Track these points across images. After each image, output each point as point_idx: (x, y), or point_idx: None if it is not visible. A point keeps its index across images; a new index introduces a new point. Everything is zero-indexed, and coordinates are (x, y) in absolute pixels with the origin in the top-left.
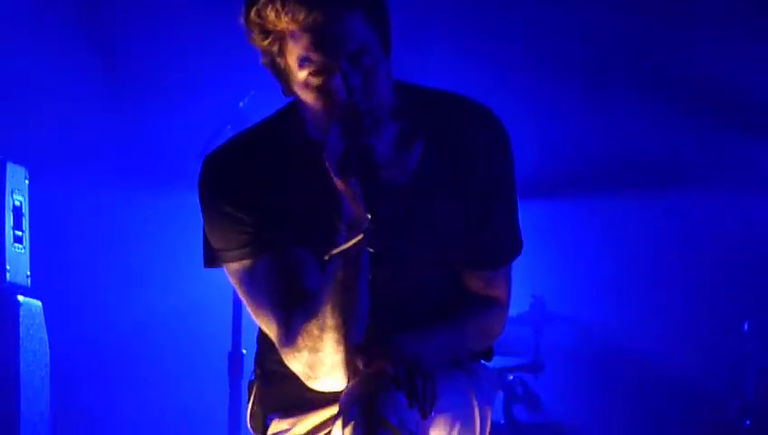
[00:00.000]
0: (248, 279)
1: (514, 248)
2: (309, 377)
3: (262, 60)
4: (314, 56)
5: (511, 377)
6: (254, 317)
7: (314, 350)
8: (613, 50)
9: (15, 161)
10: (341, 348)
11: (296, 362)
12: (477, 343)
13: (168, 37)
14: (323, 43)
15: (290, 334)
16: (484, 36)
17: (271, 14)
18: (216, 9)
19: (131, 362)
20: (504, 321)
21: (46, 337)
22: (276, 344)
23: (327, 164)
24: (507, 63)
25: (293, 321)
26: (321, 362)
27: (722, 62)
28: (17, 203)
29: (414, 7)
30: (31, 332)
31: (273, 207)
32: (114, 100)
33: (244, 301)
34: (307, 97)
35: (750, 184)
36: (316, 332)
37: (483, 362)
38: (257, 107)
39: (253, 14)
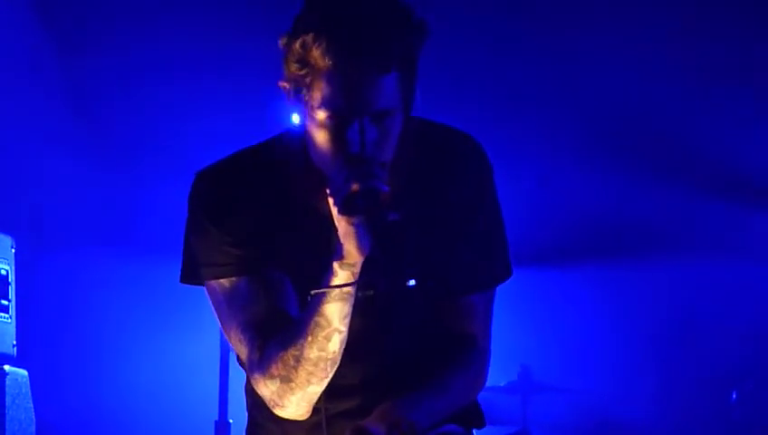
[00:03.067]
0: (225, 299)
1: (503, 271)
2: (275, 404)
3: (283, 83)
4: (341, 102)
5: None
6: (227, 337)
7: (287, 379)
8: (606, 119)
9: (1, 230)
10: (314, 381)
11: (265, 389)
12: (464, 399)
13: (156, 103)
14: (352, 94)
15: (263, 360)
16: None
17: (316, 51)
18: (206, 73)
19: (117, 432)
20: (486, 371)
21: (32, 407)
22: (246, 367)
23: (332, 200)
24: (498, 131)
25: (269, 347)
26: (292, 392)
27: (718, 134)
28: (3, 272)
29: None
30: (17, 401)
31: (261, 229)
32: (101, 167)
33: (219, 320)
34: (319, 137)
35: (743, 252)
36: (292, 362)
37: (474, 430)
38: None
39: (298, 43)
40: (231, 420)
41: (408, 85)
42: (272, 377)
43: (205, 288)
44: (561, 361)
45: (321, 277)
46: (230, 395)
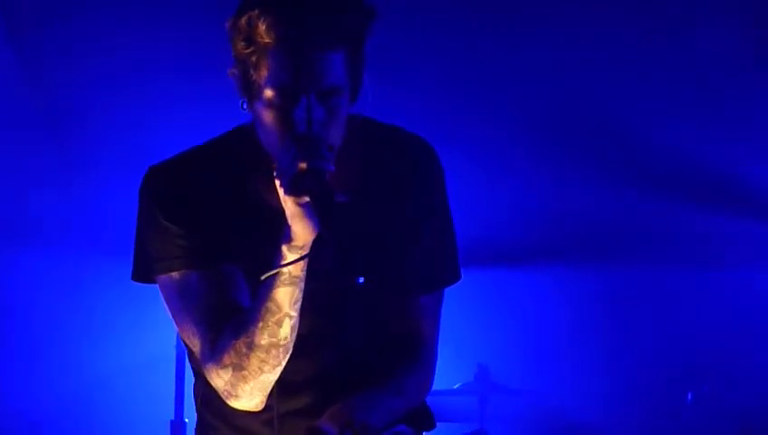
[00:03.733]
0: (178, 292)
1: (451, 274)
2: (229, 395)
3: (230, 70)
4: (287, 79)
5: None
6: (179, 332)
7: (239, 367)
8: (575, 118)
9: None
10: (267, 369)
11: (218, 379)
12: (415, 400)
13: (127, 112)
14: (301, 69)
15: (216, 350)
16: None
17: (261, 26)
18: (180, 85)
19: (72, 432)
20: (434, 372)
21: None
22: (199, 359)
23: (278, 182)
24: (468, 130)
25: (221, 337)
26: (245, 381)
27: (690, 138)
28: None
29: (388, 72)
30: None
31: (214, 223)
32: (52, 172)
33: (172, 315)
34: (266, 116)
35: (697, 257)
36: (244, 349)
37: (424, 432)
38: None
39: (243, 20)
40: (186, 420)
41: (355, 66)
42: (224, 366)
43: (158, 284)
44: (518, 361)
45: (273, 264)
46: (186, 394)
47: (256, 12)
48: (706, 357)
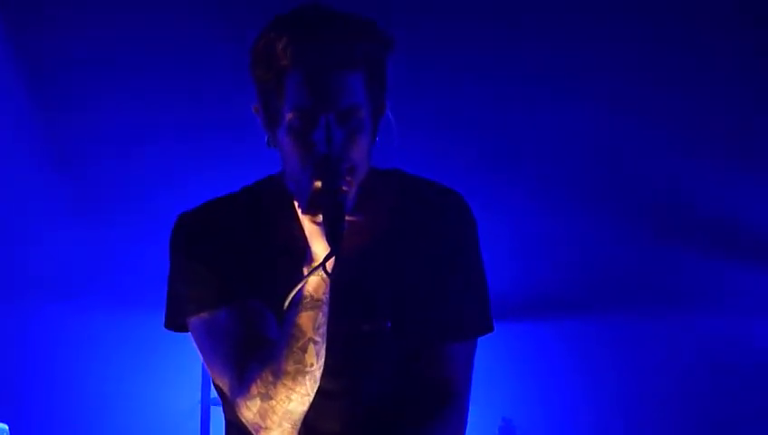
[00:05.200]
0: (207, 332)
1: (483, 324)
2: (259, 428)
3: (254, 106)
4: (306, 100)
5: None
6: (211, 374)
7: (267, 397)
8: (587, 169)
9: None
10: (295, 398)
11: (248, 411)
12: None
13: (141, 157)
14: (319, 89)
15: (244, 381)
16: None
17: (279, 47)
18: (194, 127)
19: None
20: (465, 425)
21: None
22: (229, 396)
23: (296, 202)
24: (476, 184)
25: (249, 368)
26: (273, 411)
27: (703, 187)
28: None
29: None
30: None
31: (241, 264)
32: (86, 225)
33: (203, 357)
34: (287, 142)
35: (725, 305)
36: (270, 378)
37: None
38: None
39: (262, 43)
40: None
41: (375, 88)
42: (252, 397)
43: (189, 331)
44: (542, 415)
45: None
46: None
47: (273, 34)
48: (734, 410)
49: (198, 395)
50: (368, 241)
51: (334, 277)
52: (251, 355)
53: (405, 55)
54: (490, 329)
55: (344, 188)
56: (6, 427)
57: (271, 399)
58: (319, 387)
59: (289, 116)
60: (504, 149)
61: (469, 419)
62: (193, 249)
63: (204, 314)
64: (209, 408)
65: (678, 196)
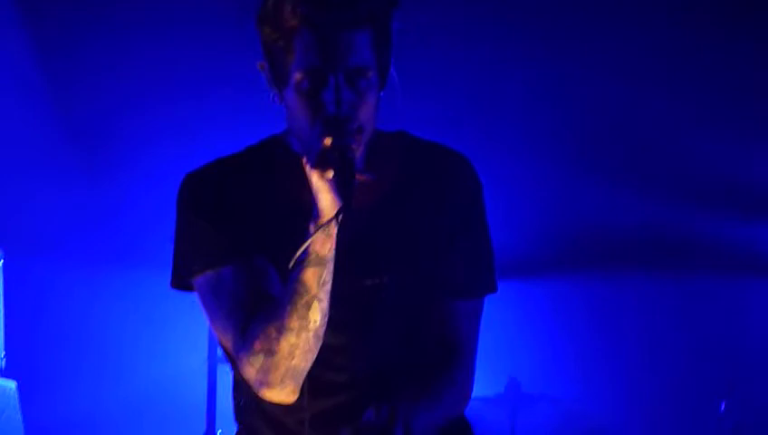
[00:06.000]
0: (211, 290)
1: (488, 284)
2: (261, 384)
3: (259, 63)
4: (314, 60)
5: None
6: (214, 331)
7: (270, 353)
8: (597, 129)
9: None
10: (298, 354)
11: (250, 368)
12: (453, 412)
13: (145, 120)
14: (327, 49)
15: (246, 338)
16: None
17: (287, 9)
18: (198, 91)
19: None
20: (472, 384)
21: (20, 417)
22: (232, 352)
23: (304, 159)
24: (486, 143)
25: (252, 325)
26: (276, 367)
27: (708, 144)
28: None
29: (407, 70)
30: (5, 412)
31: (246, 222)
32: (89, 185)
33: (207, 316)
34: (296, 102)
35: (726, 263)
36: (274, 334)
37: None
38: None
39: (270, 4)
40: (219, 431)
41: (382, 47)
42: (255, 353)
43: (195, 290)
44: (548, 372)
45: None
46: (218, 406)
47: None
48: (740, 365)
49: (205, 353)
50: (375, 199)
51: (340, 234)
52: (254, 312)
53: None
54: (494, 289)
55: (353, 146)
56: (14, 384)
57: (273, 355)
58: (325, 342)
59: (297, 76)
60: (495, 108)
61: (476, 377)
62: (198, 208)
63: (208, 272)
64: (216, 366)
65: (673, 156)
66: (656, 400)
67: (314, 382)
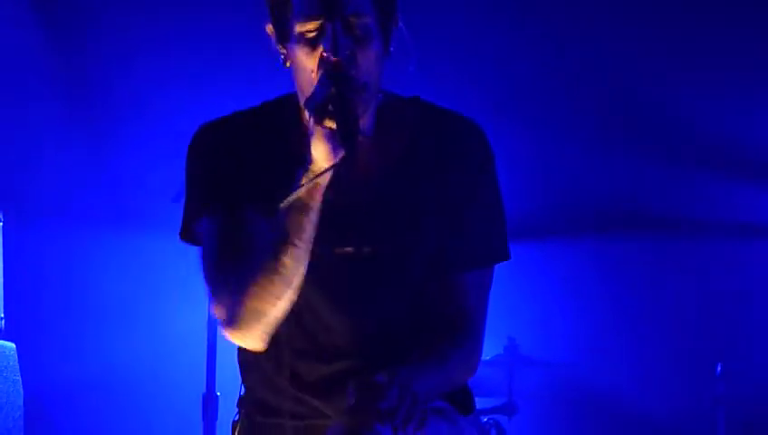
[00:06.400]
0: (204, 237)
1: (499, 252)
2: (227, 323)
3: (268, 26)
4: (311, 9)
5: (485, 419)
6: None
7: (238, 293)
8: (598, 95)
9: None
10: (266, 297)
11: (219, 305)
12: (459, 378)
13: (139, 76)
14: None
15: (219, 274)
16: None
17: None
18: (189, 45)
19: (105, 405)
20: (480, 352)
21: (20, 379)
22: (208, 294)
23: (306, 108)
24: (496, 112)
25: (228, 266)
26: (243, 306)
27: (710, 110)
28: None
29: (426, 42)
30: (4, 374)
31: (248, 175)
32: (84, 143)
33: (200, 261)
34: (298, 55)
35: (721, 227)
36: (245, 274)
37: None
38: None
39: None
40: (219, 393)
41: (381, 3)
42: (224, 289)
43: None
44: (547, 334)
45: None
46: (218, 368)
47: None
48: (736, 328)
49: (206, 315)
50: (381, 164)
51: (343, 197)
52: (233, 257)
53: None
54: (507, 257)
55: (356, 99)
56: (13, 346)
57: (240, 294)
58: (330, 306)
59: (297, 27)
60: (496, 78)
61: None
62: (204, 158)
63: (204, 219)
64: (216, 328)
65: (672, 120)
66: (653, 363)
67: (316, 347)
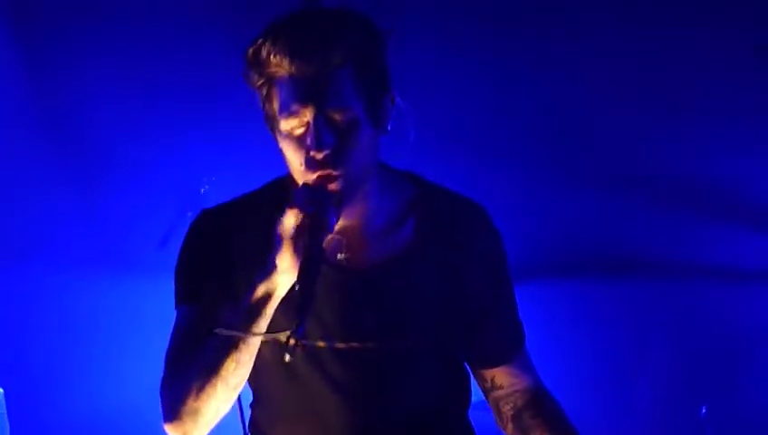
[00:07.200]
0: (173, 328)
1: (521, 339)
2: (165, 417)
3: (265, 120)
4: (294, 106)
5: None
6: None
7: (182, 388)
8: (577, 134)
9: None
10: (202, 396)
11: (162, 397)
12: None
13: (127, 122)
14: (303, 93)
15: (168, 374)
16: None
17: (263, 55)
18: (175, 93)
19: None
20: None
21: (8, 425)
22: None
23: (279, 234)
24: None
25: (178, 356)
26: (183, 404)
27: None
28: None
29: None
30: None
31: (231, 268)
32: (73, 187)
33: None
34: (286, 148)
35: (707, 270)
36: (187, 369)
37: None
38: (219, 192)
39: (251, 51)
40: None
41: (367, 83)
42: (170, 383)
43: None
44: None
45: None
46: None
47: (260, 41)
48: (721, 371)
49: None
50: (393, 253)
51: (351, 289)
52: (186, 353)
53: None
54: (523, 344)
55: (336, 186)
56: (2, 391)
57: (183, 391)
58: (333, 403)
59: (282, 123)
60: (481, 123)
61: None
62: (192, 251)
63: (177, 308)
64: None
65: (658, 163)
66: (638, 405)
67: (326, 426)
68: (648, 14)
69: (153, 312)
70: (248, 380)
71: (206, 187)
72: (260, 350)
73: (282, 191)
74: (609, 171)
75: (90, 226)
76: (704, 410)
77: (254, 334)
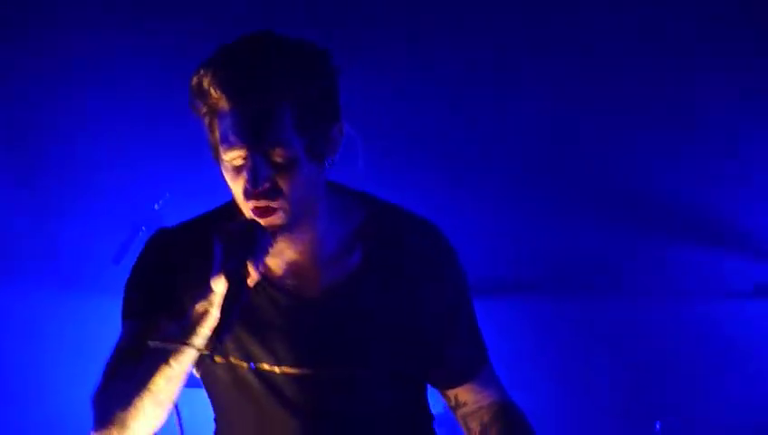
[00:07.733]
0: (116, 342)
1: (482, 359)
2: (94, 426)
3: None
4: (233, 138)
5: None
6: None
7: (113, 399)
8: (548, 153)
9: None
10: (130, 409)
11: (96, 407)
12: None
13: (81, 140)
14: (241, 129)
15: (102, 384)
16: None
17: (205, 86)
18: (130, 115)
19: None
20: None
21: None
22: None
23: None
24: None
25: (113, 369)
26: (113, 414)
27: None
28: None
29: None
30: None
31: (178, 289)
32: (25, 204)
33: None
34: (228, 178)
35: (659, 287)
36: (127, 387)
37: None
38: (173, 209)
39: (195, 81)
40: None
41: (308, 120)
42: (103, 392)
43: None
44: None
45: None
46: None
47: (201, 72)
48: (674, 386)
49: None
50: (341, 279)
51: (306, 314)
52: (121, 366)
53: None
54: (486, 360)
55: (273, 220)
56: None
57: (116, 402)
58: (311, 427)
59: (222, 154)
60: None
61: (431, 394)
62: (143, 269)
63: (122, 322)
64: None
65: (642, 181)
66: (592, 420)
67: None
68: (621, 32)
69: (106, 330)
70: (210, 401)
71: (161, 202)
72: (218, 374)
73: (231, 215)
74: (565, 191)
75: (44, 246)
76: (658, 426)
77: (182, 343)
